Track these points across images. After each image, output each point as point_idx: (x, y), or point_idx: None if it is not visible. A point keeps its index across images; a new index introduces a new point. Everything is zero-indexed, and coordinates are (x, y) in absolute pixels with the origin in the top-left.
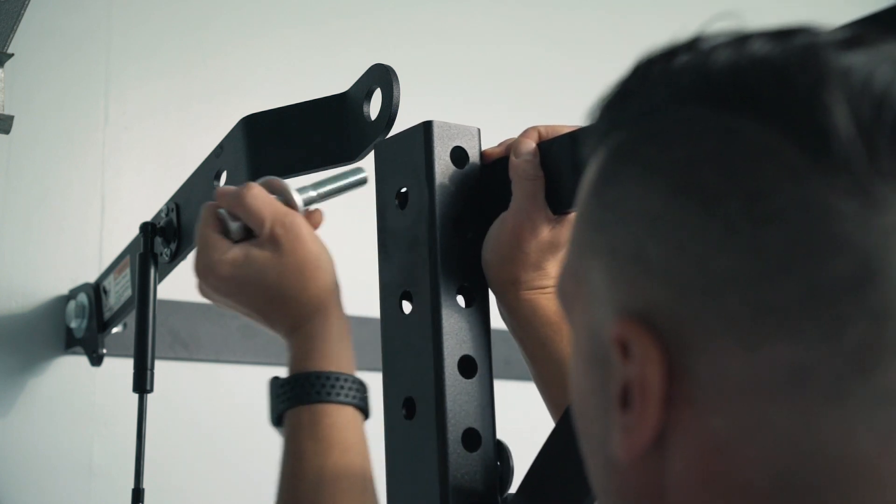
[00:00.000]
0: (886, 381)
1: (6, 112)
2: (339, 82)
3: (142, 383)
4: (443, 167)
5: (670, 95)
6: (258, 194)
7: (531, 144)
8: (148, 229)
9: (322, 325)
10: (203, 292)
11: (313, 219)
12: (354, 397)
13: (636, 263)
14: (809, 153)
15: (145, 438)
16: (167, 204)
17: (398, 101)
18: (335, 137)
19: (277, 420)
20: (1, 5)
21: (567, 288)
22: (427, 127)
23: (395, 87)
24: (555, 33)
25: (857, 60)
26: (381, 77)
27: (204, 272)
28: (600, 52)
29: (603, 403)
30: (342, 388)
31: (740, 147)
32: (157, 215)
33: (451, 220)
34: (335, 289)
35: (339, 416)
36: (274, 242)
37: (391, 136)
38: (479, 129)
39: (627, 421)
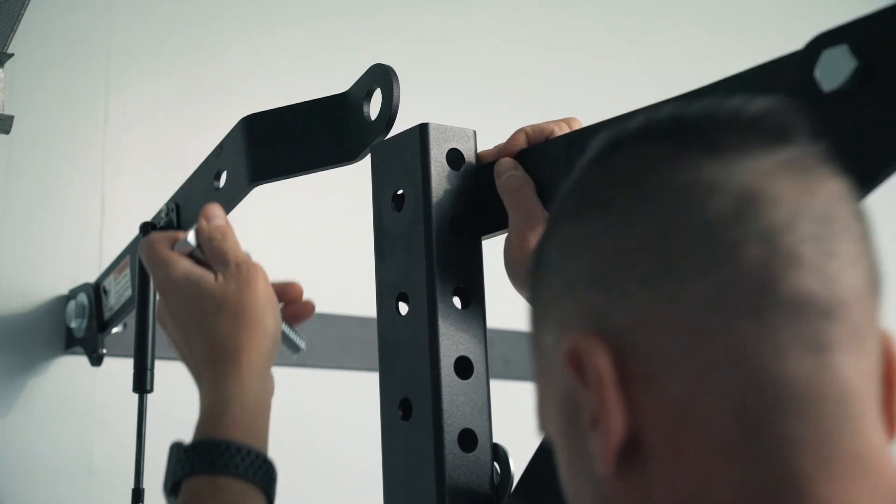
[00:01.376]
0: (792, 290)
1: (6, 112)
2: (339, 82)
3: (142, 383)
4: (439, 169)
5: (591, 150)
6: (231, 235)
7: (508, 162)
8: (148, 229)
9: (242, 386)
10: (159, 314)
11: (292, 291)
12: (263, 478)
13: (566, 295)
14: (678, 145)
15: (145, 438)
16: (167, 204)
17: (398, 102)
18: (335, 137)
19: (172, 489)
20: (1, 5)
21: (541, 408)
22: (423, 129)
23: (395, 88)
24: (554, 33)
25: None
26: (382, 77)
27: (158, 287)
28: (600, 52)
29: (580, 445)
30: (252, 464)
31: (625, 157)
32: (157, 215)
33: (448, 221)
34: (268, 353)
35: (243, 494)
36: (226, 279)
37: (387, 139)
38: (474, 131)
39: (600, 430)
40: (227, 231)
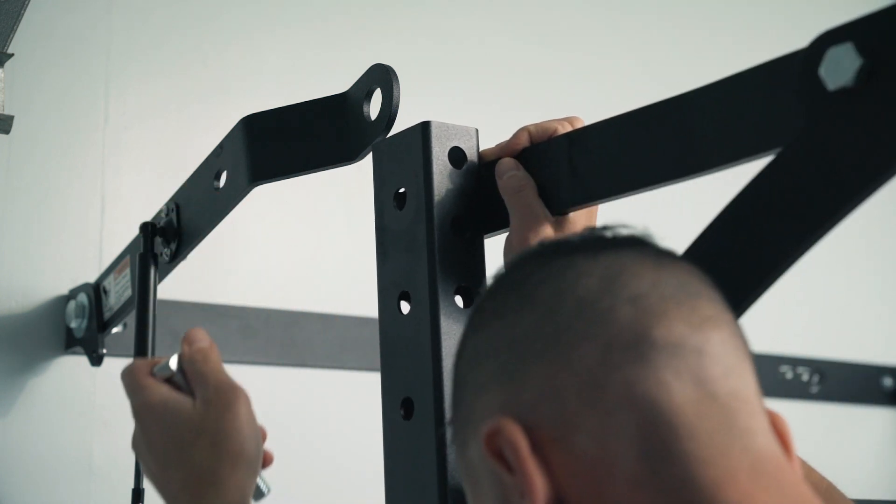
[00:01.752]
0: (665, 336)
1: (6, 112)
2: (339, 82)
3: None
4: (441, 167)
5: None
6: (213, 358)
7: (509, 163)
8: (148, 229)
9: None
10: (135, 445)
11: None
12: None
13: (477, 400)
14: (555, 254)
15: None
16: (167, 204)
17: (398, 102)
18: (335, 137)
19: None
20: (1, 5)
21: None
22: (425, 127)
23: (395, 88)
24: (555, 33)
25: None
26: (381, 77)
27: (134, 413)
28: (600, 52)
29: None
30: None
31: (511, 271)
32: (157, 215)
33: (450, 220)
34: (248, 480)
35: None
36: (205, 403)
37: (389, 137)
38: (476, 130)
39: (527, 501)
40: (209, 353)
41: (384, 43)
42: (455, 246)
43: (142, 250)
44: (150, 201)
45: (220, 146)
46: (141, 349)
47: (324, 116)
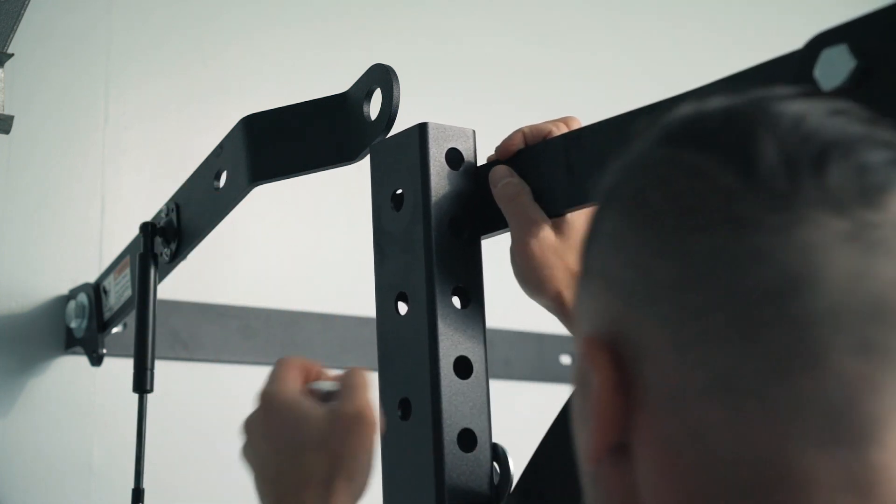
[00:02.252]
0: (808, 390)
1: (6, 112)
2: (339, 82)
3: (142, 383)
4: (438, 168)
5: (639, 143)
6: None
7: (503, 170)
8: (148, 229)
9: None
10: (249, 428)
11: None
12: None
13: (602, 279)
14: (738, 174)
15: (145, 438)
16: (167, 204)
17: (398, 102)
18: (335, 137)
19: None
20: (1, 5)
21: (573, 330)
22: (422, 129)
23: (395, 88)
24: (555, 33)
25: (794, 107)
26: (381, 77)
27: (279, 392)
28: (600, 52)
29: (585, 418)
30: None
31: (680, 171)
32: (158, 215)
33: (447, 221)
34: (352, 499)
35: None
36: (336, 418)
37: (387, 138)
38: (473, 131)
39: (590, 431)
40: (370, 383)
41: (384, 43)
42: (452, 247)
43: (142, 250)
44: (150, 201)
45: (220, 146)
46: (141, 349)
47: (324, 116)
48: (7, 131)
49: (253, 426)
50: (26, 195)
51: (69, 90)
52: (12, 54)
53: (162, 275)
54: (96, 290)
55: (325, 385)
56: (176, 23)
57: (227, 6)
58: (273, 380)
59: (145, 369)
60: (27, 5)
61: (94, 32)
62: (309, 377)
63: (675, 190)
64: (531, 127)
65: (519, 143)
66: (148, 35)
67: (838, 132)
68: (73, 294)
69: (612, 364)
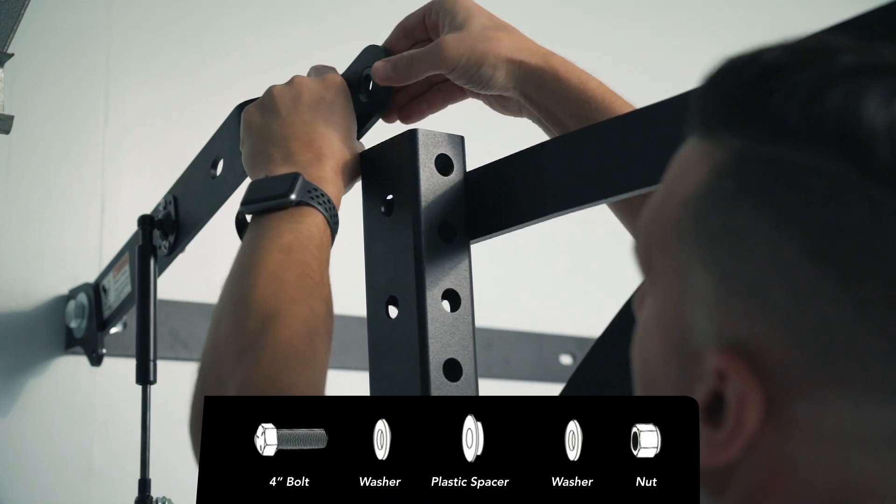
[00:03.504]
0: None
1: (6, 112)
2: None
3: (145, 374)
4: (428, 174)
5: (811, 135)
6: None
7: (379, 64)
8: (146, 222)
9: (323, 171)
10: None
11: None
12: (329, 210)
13: (755, 302)
14: None
15: (150, 430)
16: (165, 197)
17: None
18: None
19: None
20: (1, 5)
21: (653, 260)
22: (412, 135)
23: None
24: (555, 33)
25: None
26: (376, 58)
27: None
28: (600, 52)
29: (677, 389)
30: (328, 203)
31: (889, 226)
32: (156, 208)
33: (437, 226)
34: (331, 176)
35: (314, 223)
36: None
37: (377, 145)
38: (462, 137)
39: (713, 437)
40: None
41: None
42: (442, 251)
43: (140, 243)
44: (150, 201)
45: (216, 135)
46: (143, 341)
47: None
48: (7, 131)
49: (278, 93)
50: (26, 195)
51: (69, 90)
52: (12, 54)
53: (161, 267)
54: (96, 290)
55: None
56: (176, 23)
57: (227, 6)
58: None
59: (148, 360)
60: (27, 5)
61: (94, 32)
62: None
63: (883, 253)
64: (406, 17)
65: (396, 38)
66: (148, 35)
67: None
68: (72, 294)
69: (758, 385)
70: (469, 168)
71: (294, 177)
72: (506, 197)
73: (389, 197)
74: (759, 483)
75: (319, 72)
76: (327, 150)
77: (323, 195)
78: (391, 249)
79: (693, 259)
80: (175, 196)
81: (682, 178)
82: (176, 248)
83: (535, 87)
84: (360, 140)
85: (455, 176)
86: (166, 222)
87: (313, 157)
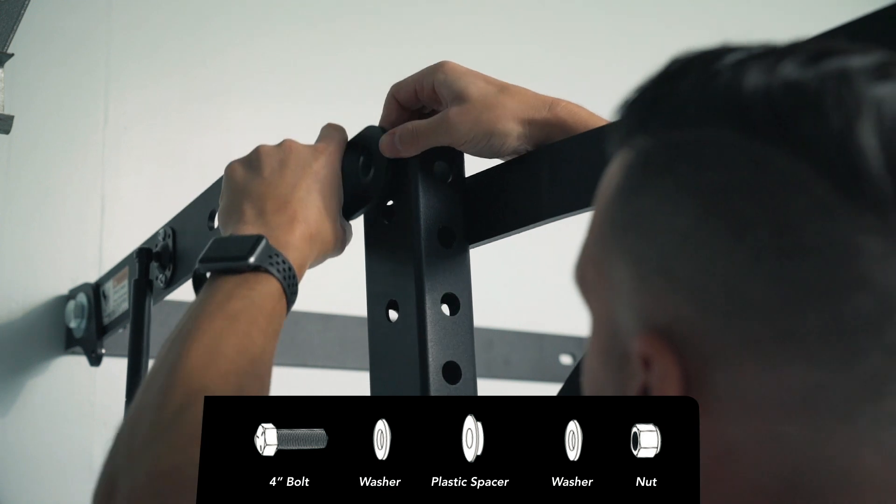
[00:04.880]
0: (893, 406)
1: (6, 112)
2: (338, 82)
3: None
4: (427, 181)
5: (702, 113)
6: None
7: (386, 137)
8: (143, 255)
9: (291, 237)
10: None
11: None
12: (287, 278)
13: (663, 277)
14: (840, 190)
15: None
16: (164, 228)
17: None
18: None
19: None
20: (1, 5)
21: (586, 274)
22: None
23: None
24: (555, 34)
25: (888, 92)
26: (376, 137)
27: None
28: (600, 54)
29: (617, 392)
30: (287, 271)
31: (772, 178)
32: (154, 239)
33: (436, 231)
34: (304, 245)
35: (269, 291)
36: (316, 150)
37: None
38: None
39: None
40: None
41: (384, 43)
42: (441, 256)
43: (137, 276)
44: (150, 201)
45: (215, 185)
46: (134, 379)
47: None
48: (7, 131)
49: (265, 152)
50: (26, 195)
51: (69, 90)
52: (12, 54)
53: (157, 299)
54: (96, 291)
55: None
56: (176, 23)
57: (227, 6)
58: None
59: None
60: (27, 5)
61: (94, 32)
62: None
63: (768, 201)
64: (397, 87)
65: (393, 111)
66: (148, 35)
67: None
68: (72, 294)
69: (678, 366)
70: (467, 174)
71: (257, 239)
72: (503, 202)
73: (389, 203)
74: (702, 474)
75: (323, 133)
76: (301, 215)
77: (284, 262)
78: (390, 254)
79: (613, 259)
80: (174, 229)
81: (602, 190)
82: (173, 283)
83: (545, 139)
84: (350, 221)
85: (453, 182)
86: (164, 255)
87: (285, 220)
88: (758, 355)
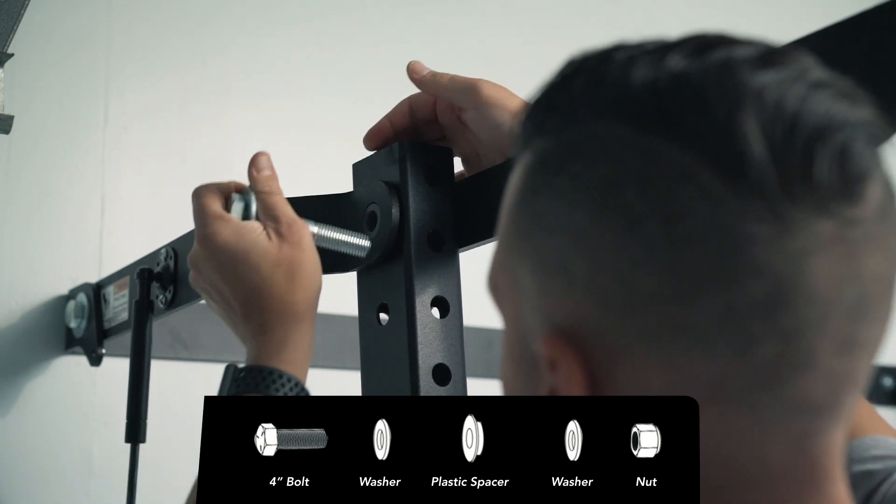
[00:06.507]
0: (795, 393)
1: (6, 112)
2: (338, 82)
3: (135, 433)
4: (416, 185)
5: (592, 110)
6: (278, 188)
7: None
8: (144, 276)
9: (297, 334)
10: (195, 265)
11: None
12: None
13: (562, 276)
14: (725, 178)
15: (136, 490)
16: (165, 248)
17: (397, 222)
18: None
19: None
20: (1, 5)
21: (498, 282)
22: (401, 147)
23: (393, 209)
24: (555, 34)
25: (770, 80)
26: (380, 193)
27: (204, 239)
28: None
29: (525, 379)
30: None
31: (659, 170)
32: (157, 255)
33: (426, 235)
34: (315, 306)
35: None
36: (279, 237)
37: (367, 157)
38: (450, 150)
39: None
40: (275, 182)
41: (384, 43)
42: (431, 260)
43: (138, 297)
44: (150, 201)
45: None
46: (135, 398)
47: (326, 216)
48: (7, 131)
49: (202, 263)
50: (26, 195)
51: (69, 90)
52: (12, 54)
53: (158, 317)
54: (96, 292)
55: (239, 201)
56: (176, 23)
57: (227, 6)
58: (203, 224)
59: (139, 419)
60: (27, 5)
61: (94, 32)
62: (225, 197)
63: (656, 193)
64: (394, 112)
65: (387, 131)
66: (148, 35)
67: (822, 115)
68: (72, 294)
69: (581, 365)
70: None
71: (288, 379)
72: (492, 206)
73: (380, 207)
74: None
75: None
76: (312, 314)
77: (297, 384)
78: (381, 258)
79: (518, 263)
80: (175, 249)
81: (506, 195)
82: (174, 304)
83: None
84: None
85: (443, 186)
86: (165, 275)
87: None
88: (657, 348)
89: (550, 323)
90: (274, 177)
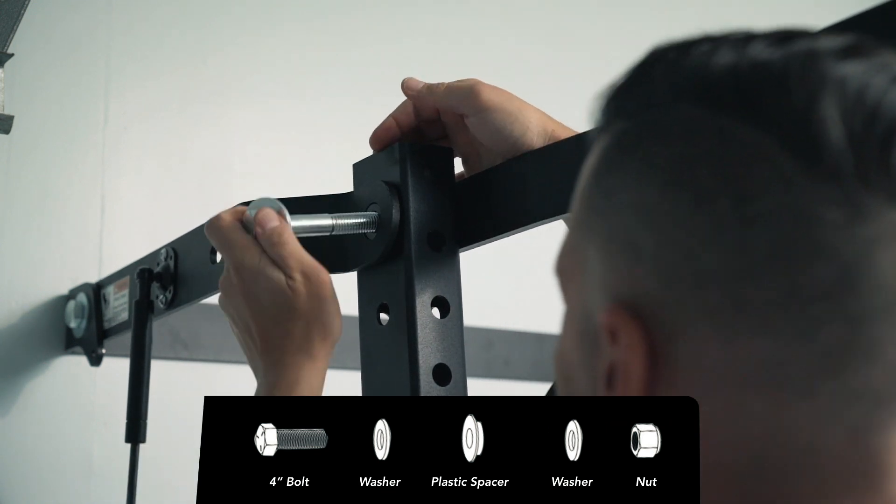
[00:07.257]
0: (857, 382)
1: (6, 112)
2: (338, 82)
3: (135, 433)
4: (416, 185)
5: (672, 92)
6: (290, 240)
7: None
8: (145, 276)
9: (309, 375)
10: (225, 291)
11: None
12: None
13: (629, 251)
14: (801, 161)
15: (137, 490)
16: (165, 248)
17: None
18: (335, 246)
19: None
20: (1, 5)
21: (565, 265)
22: (401, 147)
23: (394, 212)
24: (556, 34)
25: (853, 70)
26: (382, 196)
27: (238, 268)
28: (601, 53)
29: (591, 377)
30: None
31: (734, 149)
32: (155, 258)
33: (426, 235)
34: (331, 350)
35: None
36: (299, 288)
37: (368, 157)
38: (450, 150)
39: (614, 387)
40: (283, 234)
41: (384, 43)
42: (432, 260)
43: (138, 297)
44: (150, 201)
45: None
46: (135, 398)
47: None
48: (7, 131)
49: (232, 292)
50: (26, 195)
51: (69, 90)
52: (12, 54)
53: (158, 317)
54: (96, 292)
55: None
56: (176, 23)
57: (227, 6)
58: (229, 249)
59: (139, 419)
60: (27, 5)
61: (94, 32)
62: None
63: (729, 172)
64: (398, 111)
65: (394, 130)
66: (148, 35)
67: None
68: (72, 294)
69: (643, 337)
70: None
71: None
72: (492, 206)
73: (380, 207)
74: None
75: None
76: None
77: None
78: (381, 258)
79: (587, 242)
80: (176, 250)
81: (581, 177)
82: (174, 305)
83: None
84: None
85: (443, 187)
86: (165, 275)
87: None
88: (718, 326)
89: (614, 296)
90: (279, 228)
